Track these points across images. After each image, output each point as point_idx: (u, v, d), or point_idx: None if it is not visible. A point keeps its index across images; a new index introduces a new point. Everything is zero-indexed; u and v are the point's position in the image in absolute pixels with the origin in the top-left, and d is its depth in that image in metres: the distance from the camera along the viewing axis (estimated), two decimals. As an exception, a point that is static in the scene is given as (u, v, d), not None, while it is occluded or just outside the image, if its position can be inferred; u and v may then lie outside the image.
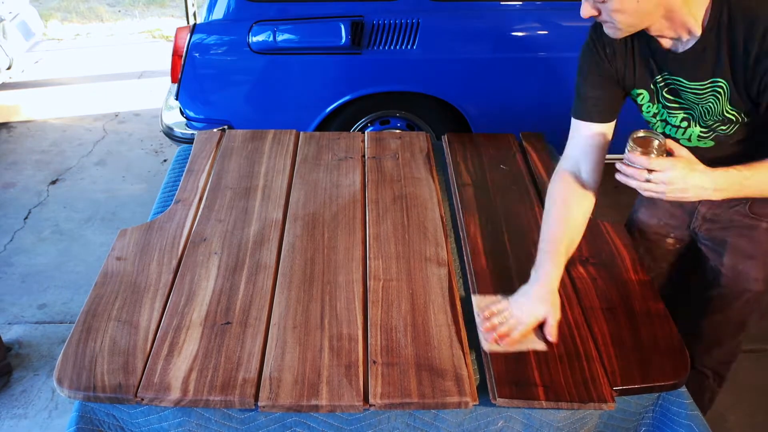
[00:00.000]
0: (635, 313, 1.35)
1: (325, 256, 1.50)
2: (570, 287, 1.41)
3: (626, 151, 1.16)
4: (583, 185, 1.39)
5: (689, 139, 1.34)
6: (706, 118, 1.29)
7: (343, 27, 2.48)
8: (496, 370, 1.21)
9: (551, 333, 1.27)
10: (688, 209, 1.53)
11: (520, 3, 2.59)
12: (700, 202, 1.48)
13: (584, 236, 1.54)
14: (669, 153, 1.15)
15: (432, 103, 2.70)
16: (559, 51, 2.59)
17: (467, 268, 1.49)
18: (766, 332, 2.38)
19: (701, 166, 1.15)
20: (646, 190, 1.15)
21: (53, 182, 3.35)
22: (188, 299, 1.36)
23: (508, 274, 1.45)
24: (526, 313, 1.28)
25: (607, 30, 1.23)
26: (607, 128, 1.39)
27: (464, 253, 1.54)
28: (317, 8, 2.52)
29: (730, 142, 1.29)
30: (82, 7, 6.25)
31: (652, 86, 1.33)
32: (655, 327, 1.31)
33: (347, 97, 2.63)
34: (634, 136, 1.16)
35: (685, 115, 1.32)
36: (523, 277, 1.35)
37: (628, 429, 1.30)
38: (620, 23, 1.18)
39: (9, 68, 3.93)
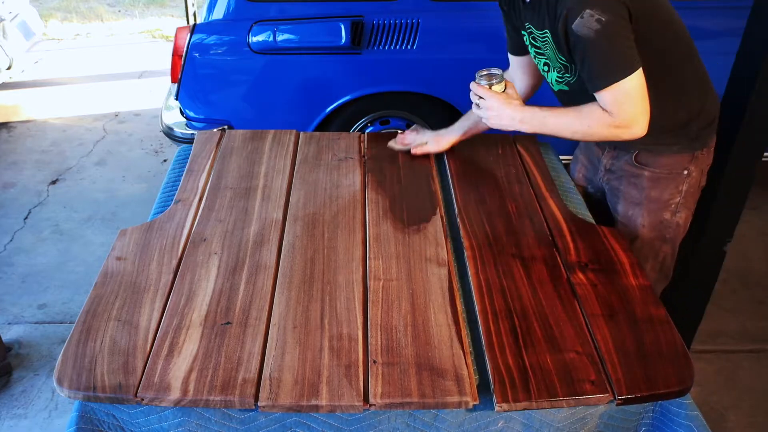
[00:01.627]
0: (637, 320, 1.33)
1: (325, 256, 1.50)
2: (570, 294, 1.40)
3: (476, 78, 1.55)
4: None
5: (552, 83, 1.62)
6: (553, 64, 1.54)
7: (343, 27, 2.48)
8: (496, 377, 1.20)
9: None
10: (594, 161, 1.80)
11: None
12: (602, 154, 1.74)
13: (582, 241, 1.56)
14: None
15: (432, 103, 2.70)
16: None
17: (467, 267, 1.49)
18: (766, 332, 2.38)
19: (516, 103, 1.52)
20: (477, 111, 1.58)
21: (53, 182, 3.35)
22: (188, 299, 1.36)
23: (510, 271, 1.45)
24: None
25: None
26: (525, 59, 1.74)
27: (464, 253, 1.54)
28: (317, 8, 2.53)
29: (579, 90, 1.49)
30: (82, 7, 6.26)
31: (523, 32, 1.58)
32: (658, 334, 1.30)
33: (347, 97, 2.63)
34: (482, 71, 1.54)
35: (545, 61, 1.56)
36: (521, 269, 1.38)
37: (628, 429, 1.30)
38: None
39: (9, 68, 3.93)
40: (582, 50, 1.37)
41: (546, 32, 1.47)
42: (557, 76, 1.56)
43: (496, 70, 1.54)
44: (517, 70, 1.79)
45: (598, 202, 1.85)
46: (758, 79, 1.60)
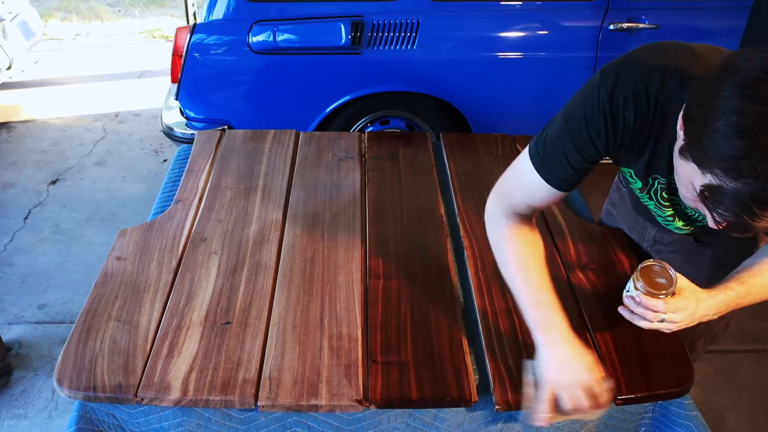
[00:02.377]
0: None
1: (325, 256, 1.50)
2: (570, 294, 1.40)
3: (632, 287, 1.13)
4: (534, 229, 1.24)
5: (670, 228, 1.32)
6: (690, 213, 1.24)
7: (343, 27, 2.48)
8: (496, 377, 1.20)
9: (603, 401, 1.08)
10: (639, 228, 1.51)
11: (520, 3, 2.60)
12: (649, 226, 1.47)
13: (582, 241, 1.55)
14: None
15: (432, 103, 2.70)
16: (559, 51, 2.59)
17: (467, 266, 1.49)
18: (766, 332, 2.38)
19: (703, 294, 1.12)
20: (658, 327, 1.12)
21: (53, 182, 3.35)
22: (188, 299, 1.36)
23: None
24: (582, 396, 1.06)
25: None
26: (559, 195, 1.21)
27: (464, 252, 1.54)
28: (317, 8, 2.53)
29: (707, 230, 1.23)
30: (82, 6, 6.25)
31: (650, 180, 1.18)
32: (658, 334, 1.30)
33: (347, 97, 2.63)
34: (643, 268, 1.12)
35: (673, 212, 1.25)
36: None
37: (628, 429, 1.30)
38: None
39: (9, 68, 3.93)
40: None
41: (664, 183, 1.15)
42: (684, 225, 1.27)
43: (670, 270, 1.11)
44: (544, 201, 1.21)
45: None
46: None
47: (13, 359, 2.22)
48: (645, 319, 1.12)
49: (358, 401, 1.15)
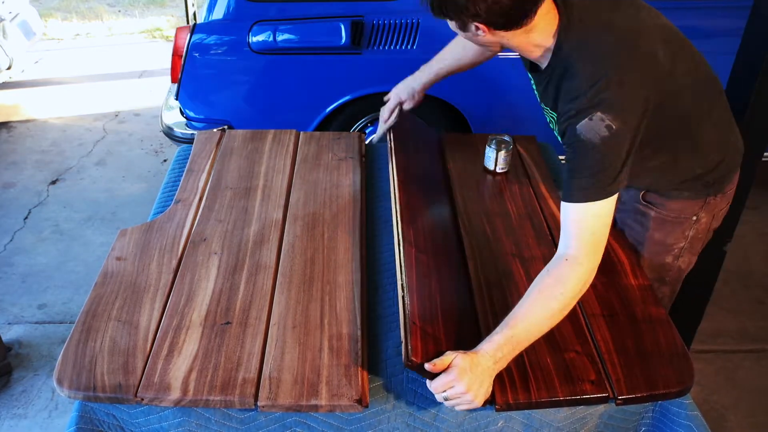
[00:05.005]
0: (637, 320, 1.34)
1: (325, 256, 1.50)
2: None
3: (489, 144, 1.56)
4: None
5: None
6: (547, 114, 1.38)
7: (343, 27, 2.48)
8: (496, 377, 1.20)
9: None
10: None
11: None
12: None
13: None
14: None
15: (432, 103, 2.70)
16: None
17: (469, 265, 1.49)
18: (766, 332, 2.38)
19: (483, 365, 1.13)
20: (458, 407, 1.14)
21: (53, 182, 3.35)
22: (188, 299, 1.36)
23: (508, 267, 1.45)
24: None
25: None
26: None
27: (464, 252, 1.54)
28: (317, 8, 2.53)
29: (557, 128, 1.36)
30: (82, 6, 6.25)
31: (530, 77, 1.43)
32: (658, 334, 1.30)
33: (347, 97, 2.63)
34: (492, 137, 1.60)
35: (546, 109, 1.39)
36: (521, 270, 1.33)
37: (628, 429, 1.30)
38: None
39: (9, 68, 3.93)
40: (575, 150, 1.18)
41: (548, 109, 1.35)
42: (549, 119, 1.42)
43: (507, 137, 1.59)
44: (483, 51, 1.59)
45: None
46: (758, 79, 1.60)
47: (13, 359, 2.22)
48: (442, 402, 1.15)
49: (358, 401, 1.15)
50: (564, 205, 1.21)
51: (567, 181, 1.21)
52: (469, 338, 1.28)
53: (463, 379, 1.10)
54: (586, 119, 1.14)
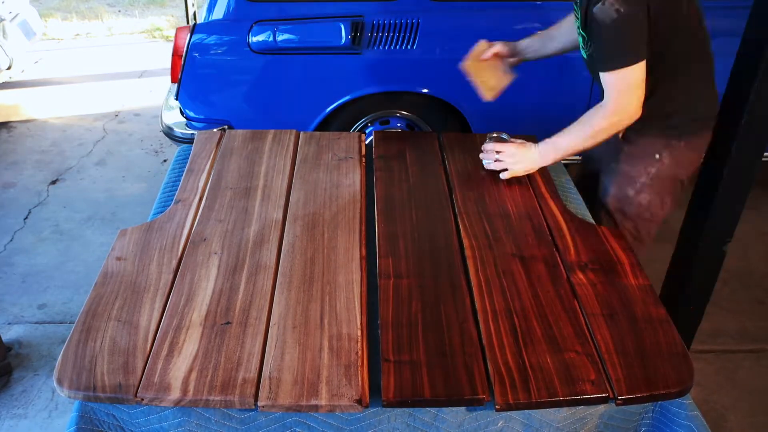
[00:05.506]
0: (637, 319, 1.34)
1: (325, 256, 1.50)
2: (570, 293, 1.40)
3: (486, 142, 1.81)
4: None
5: (581, 49, 1.74)
6: (578, 33, 1.68)
7: (343, 27, 2.48)
8: (495, 377, 1.20)
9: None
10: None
11: (521, 2, 2.60)
12: None
13: (582, 241, 1.56)
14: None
15: (432, 103, 2.70)
16: (559, 51, 2.58)
17: (468, 265, 1.49)
18: (766, 332, 2.38)
19: (529, 143, 1.75)
20: (496, 166, 1.78)
21: (53, 182, 3.36)
22: (188, 299, 1.36)
23: (510, 271, 1.45)
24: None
25: None
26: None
27: (464, 252, 1.54)
28: (317, 8, 2.53)
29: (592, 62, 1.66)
30: (82, 6, 6.26)
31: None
32: (658, 333, 1.30)
33: (347, 97, 2.63)
34: (492, 133, 1.83)
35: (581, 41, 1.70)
36: (521, 270, 1.34)
37: (628, 429, 1.30)
38: None
39: (9, 68, 3.93)
40: (596, 33, 1.52)
41: (576, 7, 1.65)
42: (582, 44, 1.72)
43: (505, 134, 1.80)
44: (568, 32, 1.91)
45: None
46: (758, 79, 1.60)
47: (13, 359, 2.22)
48: (489, 158, 1.80)
49: (358, 401, 1.15)
50: (602, 76, 1.57)
51: (597, 57, 1.57)
52: (467, 339, 1.28)
53: (513, 150, 1.75)
54: (600, 4, 1.46)
